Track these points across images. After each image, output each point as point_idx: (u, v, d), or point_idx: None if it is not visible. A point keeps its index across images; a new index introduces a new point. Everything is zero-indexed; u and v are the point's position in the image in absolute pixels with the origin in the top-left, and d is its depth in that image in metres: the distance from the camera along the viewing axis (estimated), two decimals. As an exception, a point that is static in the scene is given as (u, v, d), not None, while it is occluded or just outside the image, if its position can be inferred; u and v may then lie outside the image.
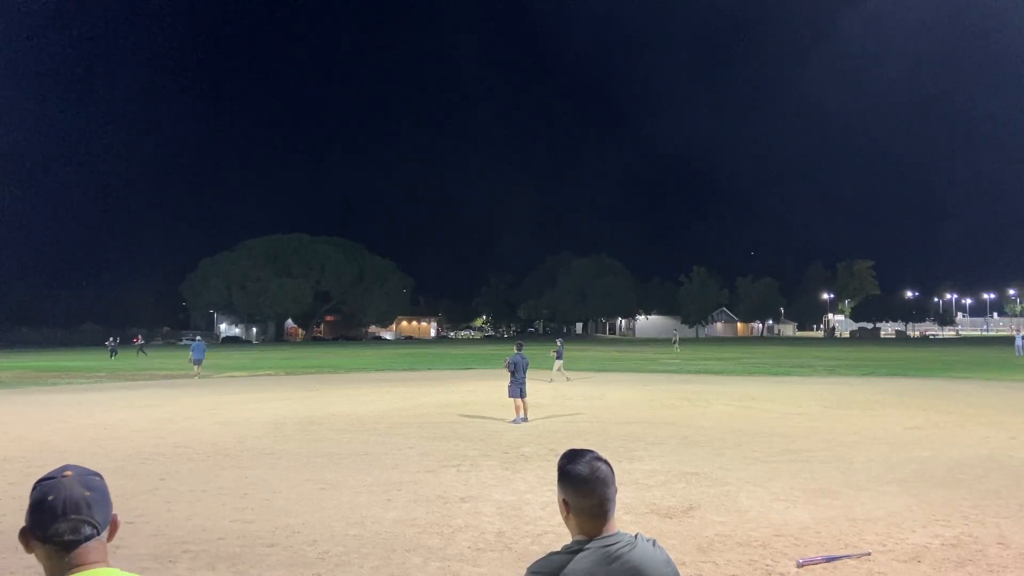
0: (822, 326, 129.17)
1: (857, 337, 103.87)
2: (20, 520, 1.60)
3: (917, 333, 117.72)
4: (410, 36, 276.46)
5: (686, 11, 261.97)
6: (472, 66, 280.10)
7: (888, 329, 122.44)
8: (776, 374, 28.24)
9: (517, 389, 14.06)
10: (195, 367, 28.44)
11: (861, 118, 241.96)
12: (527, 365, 14.57)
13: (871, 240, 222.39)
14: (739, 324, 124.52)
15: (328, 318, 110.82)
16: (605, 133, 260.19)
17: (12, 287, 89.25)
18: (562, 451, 2.04)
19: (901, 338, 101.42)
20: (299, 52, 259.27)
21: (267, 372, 31.93)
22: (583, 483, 1.90)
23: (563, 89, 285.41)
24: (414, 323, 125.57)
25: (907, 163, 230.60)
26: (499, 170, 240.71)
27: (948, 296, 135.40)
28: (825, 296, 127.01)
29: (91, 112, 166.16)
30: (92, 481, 1.61)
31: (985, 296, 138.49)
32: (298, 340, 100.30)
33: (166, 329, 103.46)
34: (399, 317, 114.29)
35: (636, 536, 1.92)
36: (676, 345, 56.16)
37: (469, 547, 6.13)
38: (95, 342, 73.67)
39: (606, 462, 1.96)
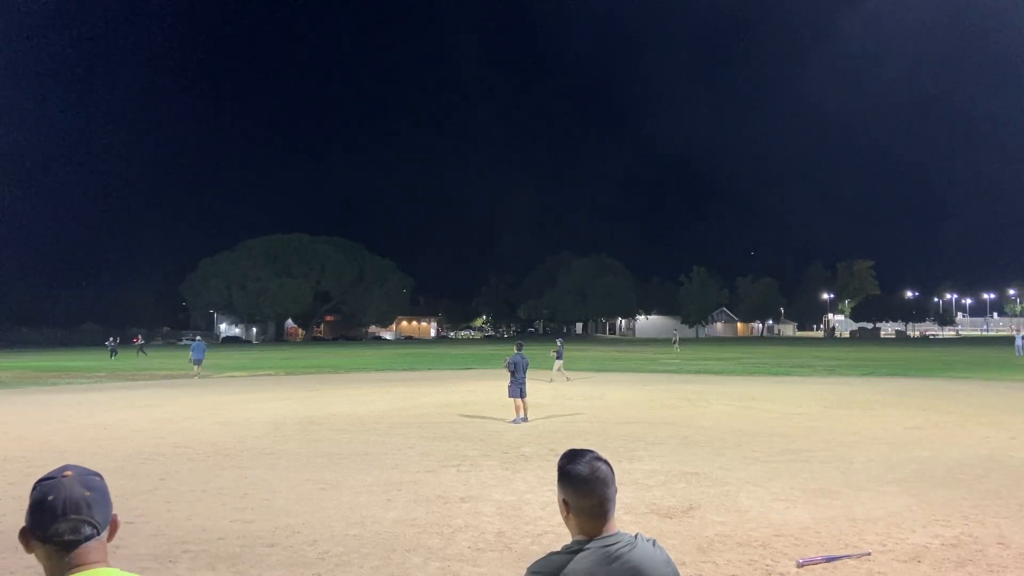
0: (822, 326, 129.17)
1: (857, 337, 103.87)
2: (20, 520, 1.60)
3: (917, 333, 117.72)
4: (410, 36, 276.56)
5: (686, 11, 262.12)
6: (472, 66, 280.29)
7: (888, 329, 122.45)
8: (776, 374, 28.24)
9: (517, 389, 14.06)
10: (195, 367, 28.46)
11: (861, 118, 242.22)
12: (527, 365, 14.57)
13: (871, 240, 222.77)
14: (739, 324, 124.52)
15: (328, 318, 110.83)
16: (605, 133, 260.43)
17: (12, 287, 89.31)
18: (562, 451, 2.04)
19: (901, 338, 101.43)
20: (299, 52, 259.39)
21: (267, 372, 31.94)
22: (583, 483, 1.90)
23: (563, 89, 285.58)
24: (414, 323, 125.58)
25: (907, 163, 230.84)
26: (499, 170, 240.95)
27: (948, 296, 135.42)
28: (825, 296, 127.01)
29: (91, 112, 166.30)
30: (92, 481, 1.61)
31: (985, 296, 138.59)
32: (298, 340, 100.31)
33: (166, 329, 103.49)
34: (399, 317, 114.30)
35: (636, 536, 1.92)
36: (676, 345, 56.16)
37: (469, 547, 6.13)
38: (95, 342, 73.70)
39: (606, 462, 1.96)
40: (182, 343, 75.58)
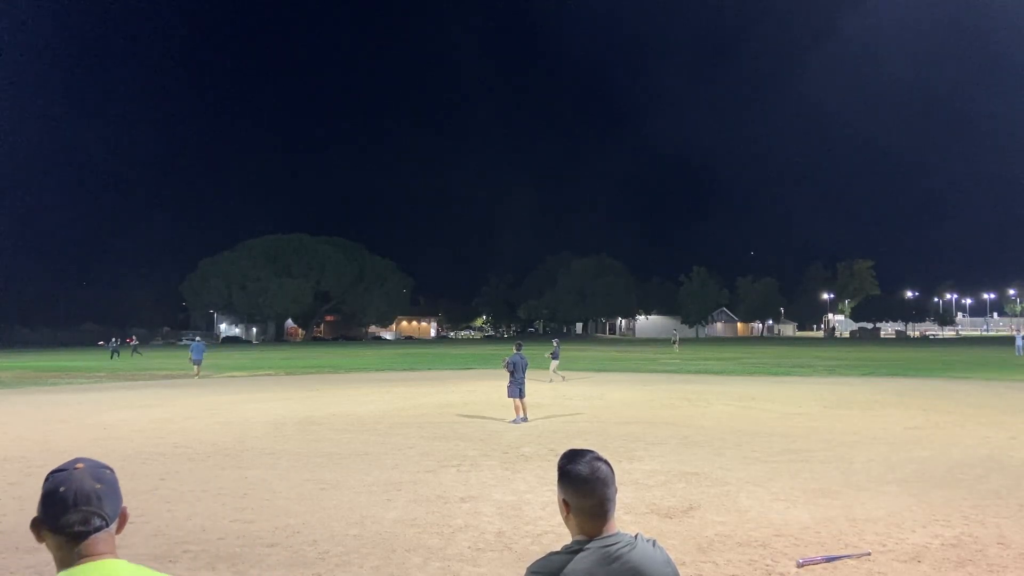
0: (822, 326, 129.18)
1: (857, 337, 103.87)
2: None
3: (917, 333, 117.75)
4: (410, 36, 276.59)
5: (686, 11, 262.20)
6: (472, 66, 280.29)
7: (888, 329, 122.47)
8: (776, 374, 28.24)
9: (516, 389, 14.06)
10: (195, 367, 28.49)
11: (861, 118, 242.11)
12: (526, 365, 14.57)
13: (871, 240, 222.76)
14: (739, 324, 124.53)
15: (328, 318, 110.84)
16: (605, 133, 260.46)
17: (12, 287, 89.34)
18: (562, 451, 2.04)
19: (901, 338, 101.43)
20: (299, 52, 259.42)
21: (267, 372, 31.94)
22: (583, 483, 1.90)
23: (563, 89, 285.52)
24: (414, 323, 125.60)
25: (907, 163, 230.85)
26: (499, 170, 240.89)
27: (948, 296, 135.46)
28: (825, 296, 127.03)
29: (91, 112, 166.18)
30: (103, 474, 1.65)
31: (985, 296, 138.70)
32: (298, 340, 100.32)
33: (166, 329, 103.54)
34: (399, 317, 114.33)
35: (636, 536, 1.92)
36: (676, 345, 56.16)
37: (469, 547, 6.13)
38: (95, 342, 73.71)
39: (606, 462, 1.96)
40: (182, 343, 75.58)
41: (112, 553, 1.60)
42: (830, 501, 7.57)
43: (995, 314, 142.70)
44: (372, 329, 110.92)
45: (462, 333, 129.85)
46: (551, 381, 23.59)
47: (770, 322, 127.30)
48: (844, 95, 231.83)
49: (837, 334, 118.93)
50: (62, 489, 1.58)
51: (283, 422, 14.27)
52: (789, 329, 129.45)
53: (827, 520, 6.84)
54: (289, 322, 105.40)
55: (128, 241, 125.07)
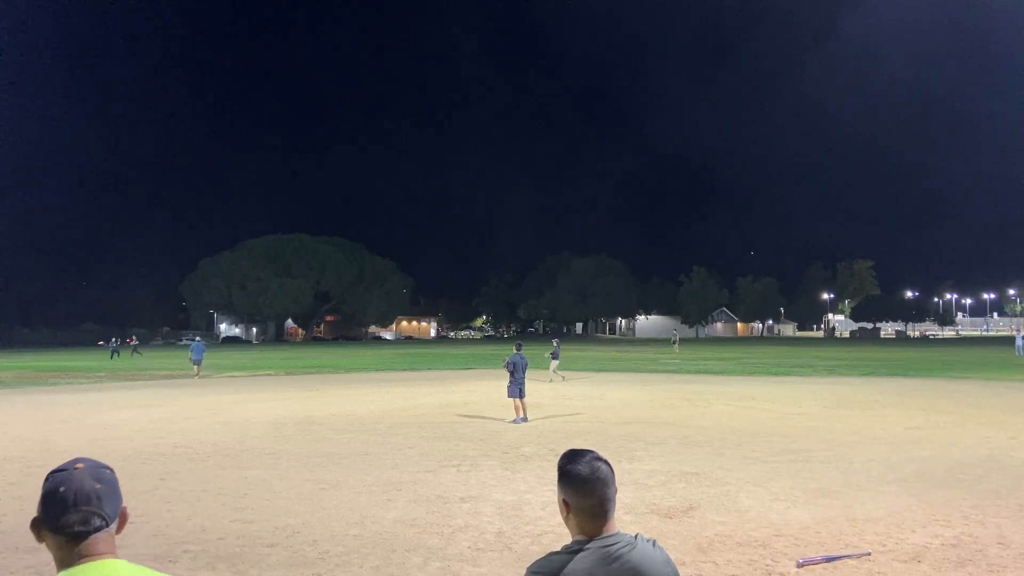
0: (822, 326, 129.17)
1: (857, 337, 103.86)
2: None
3: (917, 333, 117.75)
4: (410, 36, 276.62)
5: (686, 11, 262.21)
6: (472, 66, 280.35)
7: (888, 329, 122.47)
8: (776, 374, 28.24)
9: (516, 389, 14.06)
10: (195, 367, 28.52)
11: (861, 118, 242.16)
12: (526, 365, 14.57)
13: (871, 240, 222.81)
14: (739, 324, 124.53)
15: (328, 318, 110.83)
16: (605, 133, 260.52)
17: (12, 287, 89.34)
18: (562, 451, 2.04)
19: (901, 338, 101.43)
20: (299, 52, 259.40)
21: (267, 372, 31.94)
22: (583, 483, 1.90)
23: (563, 89, 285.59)
24: (414, 323, 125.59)
25: (907, 163, 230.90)
26: (499, 170, 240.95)
27: (948, 296, 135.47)
28: (825, 296, 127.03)
29: (91, 112, 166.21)
30: (103, 474, 1.65)
31: (985, 296, 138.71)
32: (298, 340, 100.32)
33: (166, 329, 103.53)
34: (399, 317, 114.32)
35: (636, 536, 1.92)
36: (676, 345, 56.16)
37: (469, 547, 6.13)
38: (95, 342, 73.70)
39: (606, 462, 1.96)
40: (182, 343, 75.58)
41: (112, 553, 1.60)
42: (830, 501, 7.57)
43: (995, 314, 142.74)
44: (372, 329, 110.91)
45: (462, 333, 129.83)
46: (551, 381, 23.59)
47: (770, 322, 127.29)
48: (844, 95, 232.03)
49: (837, 334, 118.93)
50: (62, 489, 1.58)
51: (283, 422, 14.26)
52: (789, 329, 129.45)
53: (827, 520, 6.84)
54: (289, 322, 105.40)
55: (128, 241, 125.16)
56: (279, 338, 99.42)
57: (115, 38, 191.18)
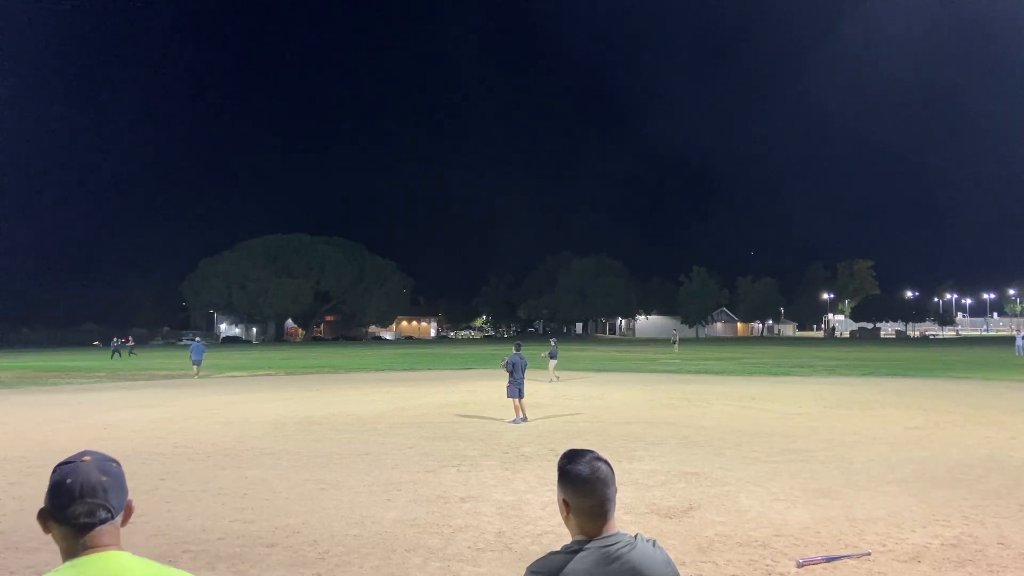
0: (822, 326, 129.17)
1: (857, 337, 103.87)
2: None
3: (917, 333, 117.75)
4: (410, 36, 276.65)
5: (686, 11, 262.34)
6: (472, 66, 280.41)
7: (888, 329, 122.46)
8: (776, 374, 28.24)
9: (516, 389, 14.06)
10: (195, 367, 28.55)
11: (861, 118, 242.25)
12: (526, 365, 14.57)
13: (871, 240, 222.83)
14: (739, 324, 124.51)
15: (328, 318, 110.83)
16: (605, 133, 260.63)
17: (12, 287, 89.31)
18: (562, 451, 2.04)
19: (901, 338, 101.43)
20: (299, 52, 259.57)
21: (267, 372, 31.94)
22: (583, 483, 1.90)
23: (563, 89, 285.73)
24: (414, 323, 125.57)
25: (907, 163, 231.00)
26: (499, 170, 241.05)
27: (948, 296, 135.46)
28: (825, 296, 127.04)
29: (91, 112, 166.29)
30: (109, 467, 1.67)
31: (985, 296, 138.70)
32: (298, 340, 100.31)
33: (166, 329, 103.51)
34: (399, 317, 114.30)
35: (636, 536, 1.92)
36: (676, 345, 56.15)
37: (469, 547, 6.13)
38: (100, 342, 73.65)
39: (606, 462, 1.96)
40: (182, 343, 75.58)
41: (117, 545, 1.62)
42: (830, 501, 7.57)
43: (995, 314, 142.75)
44: (372, 329, 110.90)
45: (462, 333, 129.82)
46: (551, 381, 23.59)
47: (770, 322, 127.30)
48: (844, 95, 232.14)
49: (837, 334, 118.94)
50: (69, 481, 1.60)
51: (283, 422, 14.26)
52: (789, 329, 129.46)
53: (827, 520, 6.84)
54: (289, 322, 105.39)
55: (128, 241, 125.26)
56: (279, 338, 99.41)
57: (115, 38, 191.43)
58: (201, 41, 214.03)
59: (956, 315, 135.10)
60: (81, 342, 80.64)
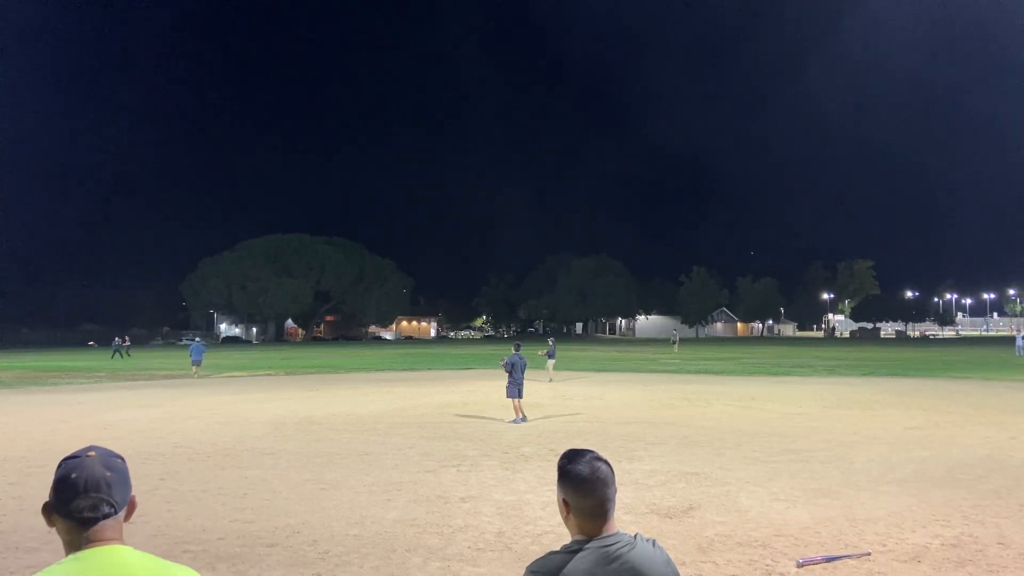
0: (822, 326, 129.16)
1: (857, 337, 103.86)
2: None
3: (917, 333, 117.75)
4: (410, 36, 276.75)
5: (686, 11, 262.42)
6: (472, 66, 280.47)
7: (888, 329, 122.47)
8: (776, 374, 28.24)
9: (515, 390, 14.05)
10: (194, 368, 28.57)
11: (861, 118, 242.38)
12: (525, 366, 14.56)
13: (871, 240, 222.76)
14: (739, 324, 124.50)
15: (328, 318, 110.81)
16: (605, 133, 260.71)
17: (12, 287, 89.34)
18: (562, 451, 2.04)
19: (901, 338, 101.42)
20: (299, 52, 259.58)
21: (267, 372, 31.93)
22: (583, 483, 1.90)
23: (563, 89, 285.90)
24: (414, 323, 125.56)
25: (907, 163, 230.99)
26: (499, 170, 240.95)
27: (948, 296, 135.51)
28: (825, 296, 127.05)
29: (91, 112, 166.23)
30: (114, 463, 1.69)
31: (985, 296, 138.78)
32: (298, 340, 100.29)
33: (166, 329, 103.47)
34: (399, 317, 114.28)
35: (636, 536, 1.92)
36: (675, 345, 56.15)
37: (469, 547, 6.13)
38: (95, 342, 73.66)
39: (606, 462, 1.96)
40: (182, 343, 75.58)
41: (119, 540, 1.65)
42: (830, 501, 7.57)
43: (995, 314, 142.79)
44: (372, 329, 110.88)
45: (462, 333, 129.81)
46: (551, 381, 23.60)
47: (770, 322, 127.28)
48: (844, 95, 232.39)
49: (837, 334, 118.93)
50: (73, 475, 1.63)
51: (283, 422, 14.26)
52: (789, 329, 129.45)
53: (827, 520, 6.84)
54: (289, 322, 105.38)
55: (128, 241, 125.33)
56: (279, 338, 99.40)
57: (116, 38, 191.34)
58: (201, 41, 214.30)
59: (956, 315, 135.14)
60: (81, 342, 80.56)
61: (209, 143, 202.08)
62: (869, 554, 5.79)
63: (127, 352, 50.86)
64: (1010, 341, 53.83)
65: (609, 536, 1.88)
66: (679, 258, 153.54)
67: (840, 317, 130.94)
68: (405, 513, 7.23)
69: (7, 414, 16.33)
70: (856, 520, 6.82)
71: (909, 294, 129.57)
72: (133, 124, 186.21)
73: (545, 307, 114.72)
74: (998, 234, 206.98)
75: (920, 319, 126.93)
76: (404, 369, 33.29)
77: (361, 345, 77.97)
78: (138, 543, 1.66)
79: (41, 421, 14.88)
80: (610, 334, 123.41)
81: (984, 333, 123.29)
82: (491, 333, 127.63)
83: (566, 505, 1.92)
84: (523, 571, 1.88)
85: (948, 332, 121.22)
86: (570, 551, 1.86)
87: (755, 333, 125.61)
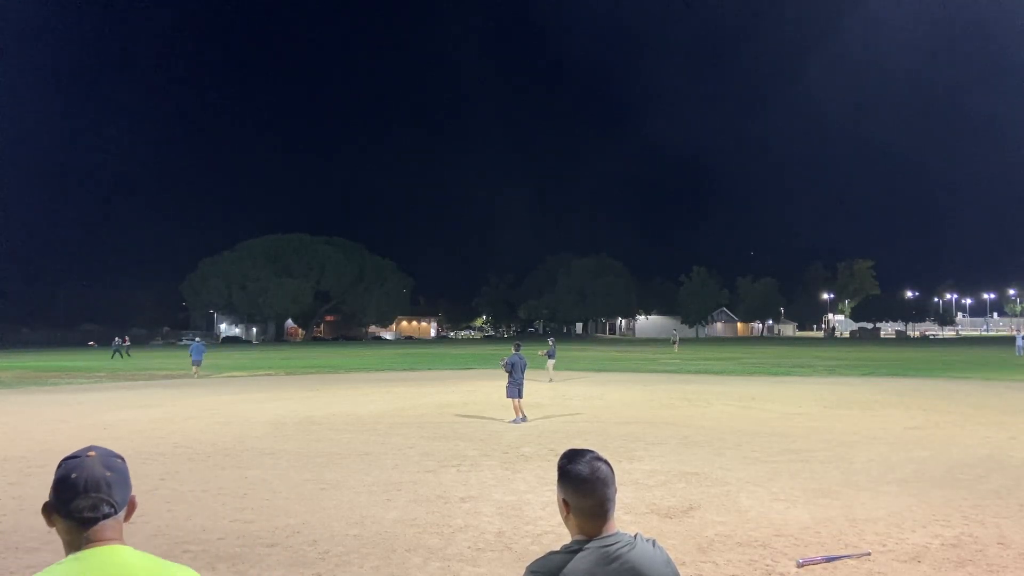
0: (822, 326, 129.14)
1: (857, 337, 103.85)
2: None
3: (917, 333, 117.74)
4: (410, 36, 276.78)
5: (686, 11, 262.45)
6: (472, 66, 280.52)
7: (888, 329, 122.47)
8: (776, 374, 28.24)
9: (515, 390, 14.05)
10: (193, 368, 28.57)
11: (861, 118, 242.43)
12: (525, 366, 14.56)
13: (871, 240, 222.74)
14: (739, 324, 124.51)
15: (328, 318, 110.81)
16: (605, 133, 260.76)
17: (12, 287, 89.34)
18: (562, 451, 2.04)
19: (901, 338, 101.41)
20: (299, 52, 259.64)
21: (267, 372, 31.93)
22: (583, 483, 1.90)
23: (563, 89, 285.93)
24: (414, 323, 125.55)
25: (907, 163, 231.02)
26: (499, 170, 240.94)
27: (948, 296, 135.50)
28: (825, 296, 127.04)
29: (91, 112, 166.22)
30: (114, 463, 1.70)
31: (985, 296, 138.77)
32: (298, 340, 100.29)
33: (166, 329, 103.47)
34: (399, 317, 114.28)
35: (636, 536, 1.92)
36: (675, 345, 56.15)
37: (469, 547, 6.13)
38: (95, 342, 73.68)
39: (606, 462, 1.96)
40: (182, 343, 75.58)
41: (119, 539, 1.65)
42: (830, 501, 7.57)
43: (995, 314, 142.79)
44: (372, 329, 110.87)
45: (462, 333, 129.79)
46: (551, 381, 23.59)
47: (770, 322, 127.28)
48: (844, 95, 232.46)
49: (837, 334, 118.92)
50: (73, 475, 1.63)
51: (283, 422, 14.26)
52: (789, 329, 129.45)
53: (827, 520, 6.84)
54: (289, 322, 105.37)
55: (128, 241, 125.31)
56: (279, 338, 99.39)
57: (115, 38, 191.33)
58: (201, 41, 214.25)
59: (956, 315, 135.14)
60: (81, 342, 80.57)
61: (209, 143, 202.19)
62: (869, 554, 5.79)
63: (126, 352, 50.85)
64: (1010, 341, 53.84)
65: (609, 536, 1.88)
66: (679, 258, 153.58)
67: (840, 317, 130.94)
68: (405, 513, 7.23)
69: (7, 414, 16.33)
70: (856, 520, 6.82)
71: (909, 294, 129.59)
72: (133, 124, 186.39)
73: (545, 307, 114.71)
74: (998, 234, 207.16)
75: (920, 319, 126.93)
76: (404, 369, 33.29)
77: (361, 345, 77.97)
78: (138, 543, 1.66)
79: (41, 421, 14.88)
80: (610, 334, 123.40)
81: (984, 333, 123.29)
82: (491, 333, 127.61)
83: (566, 505, 1.92)
84: (523, 571, 1.88)
85: (948, 332, 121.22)
86: (570, 551, 1.86)
87: (755, 333, 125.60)
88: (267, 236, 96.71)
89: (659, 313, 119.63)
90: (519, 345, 15.99)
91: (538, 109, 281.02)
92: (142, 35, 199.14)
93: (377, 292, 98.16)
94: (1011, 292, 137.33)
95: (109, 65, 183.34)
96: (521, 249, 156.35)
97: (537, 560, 1.89)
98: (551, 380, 23.72)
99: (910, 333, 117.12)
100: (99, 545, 1.61)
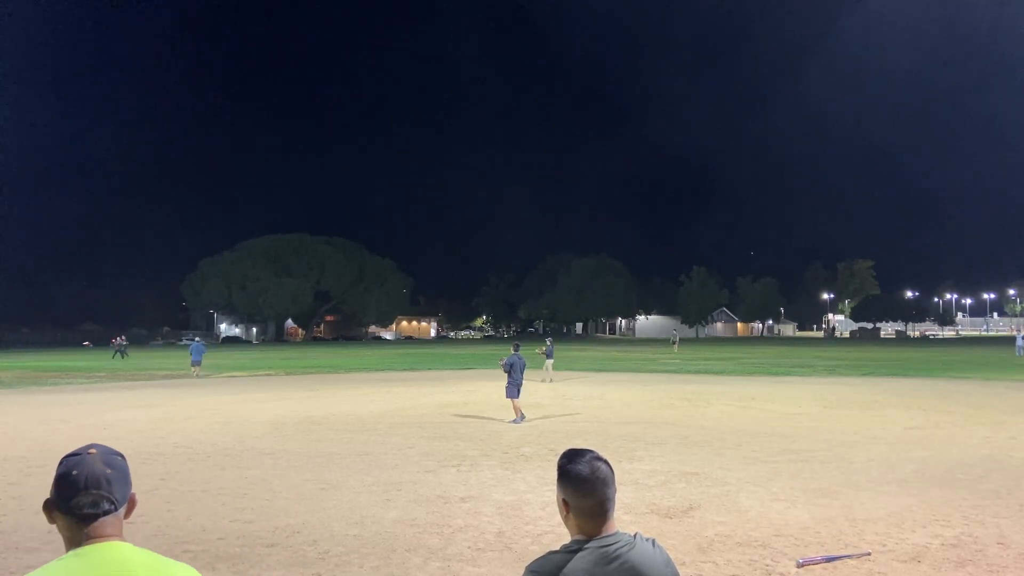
0: (822, 326, 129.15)
1: (857, 337, 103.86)
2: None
3: (917, 333, 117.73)
4: (410, 36, 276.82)
5: (686, 11, 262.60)
6: (472, 66, 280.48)
7: (888, 329, 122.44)
8: (776, 374, 28.24)
9: (515, 390, 14.05)
10: (193, 368, 28.58)
11: (861, 118, 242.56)
12: (524, 366, 14.55)
13: (871, 240, 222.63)
14: (739, 324, 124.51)
15: (328, 318, 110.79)
16: (605, 133, 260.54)
17: (12, 287, 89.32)
18: (562, 451, 2.04)
19: (901, 338, 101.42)
20: (299, 52, 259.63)
21: (267, 372, 31.93)
22: (583, 483, 1.90)
23: (563, 89, 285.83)
24: (414, 323, 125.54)
25: (907, 163, 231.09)
26: (499, 170, 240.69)
27: (948, 296, 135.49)
28: (825, 296, 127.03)
29: (91, 112, 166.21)
30: (114, 460, 1.72)
31: (985, 296, 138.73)
32: (298, 340, 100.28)
33: (166, 329, 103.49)
34: (399, 317, 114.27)
35: (635, 536, 1.92)
36: (675, 345, 56.14)
37: (469, 547, 6.13)
38: (95, 342, 73.69)
39: (606, 462, 1.96)
40: (182, 343, 75.57)
41: (119, 536, 1.66)
42: (830, 501, 7.57)
43: (995, 314, 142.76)
44: (372, 329, 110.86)
45: (462, 333, 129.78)
46: (552, 381, 23.58)
47: (770, 322, 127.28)
48: (844, 95, 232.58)
49: (837, 334, 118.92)
50: (74, 472, 1.65)
51: (283, 422, 14.26)
52: (789, 329, 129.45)
53: (827, 520, 6.84)
54: (289, 322, 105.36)
55: (128, 241, 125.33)
56: (279, 338, 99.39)
57: (115, 38, 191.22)
58: (201, 41, 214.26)
59: (956, 315, 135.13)
60: (81, 342, 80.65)
61: (209, 143, 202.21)
62: (869, 554, 5.79)
63: (126, 352, 50.85)
64: (1010, 341, 53.84)
65: (609, 536, 1.88)
66: (679, 258, 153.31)
67: (840, 317, 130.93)
68: (405, 513, 7.23)
69: (7, 414, 16.33)
70: (856, 520, 6.83)
71: (909, 294, 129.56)
72: (133, 124, 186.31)
73: (545, 307, 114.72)
74: (998, 234, 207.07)
75: (920, 319, 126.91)
76: (404, 369, 33.29)
77: (361, 345, 77.97)
78: (138, 543, 1.66)
79: (41, 421, 14.88)
80: (610, 334, 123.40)
81: (984, 333, 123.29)
82: (491, 333, 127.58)
83: (566, 505, 1.92)
84: (523, 571, 1.88)
85: (948, 332, 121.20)
86: (570, 551, 1.86)
87: (755, 333, 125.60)
88: (267, 236, 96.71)
89: (659, 313, 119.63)
90: (518, 345, 15.97)
91: (538, 109, 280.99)
92: (142, 35, 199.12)
93: (377, 292, 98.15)
94: (1011, 292, 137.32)
95: (109, 65, 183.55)
96: (521, 249, 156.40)
97: (537, 560, 1.89)
98: (551, 380, 23.70)
99: (910, 333, 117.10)
100: (99, 541, 1.62)
